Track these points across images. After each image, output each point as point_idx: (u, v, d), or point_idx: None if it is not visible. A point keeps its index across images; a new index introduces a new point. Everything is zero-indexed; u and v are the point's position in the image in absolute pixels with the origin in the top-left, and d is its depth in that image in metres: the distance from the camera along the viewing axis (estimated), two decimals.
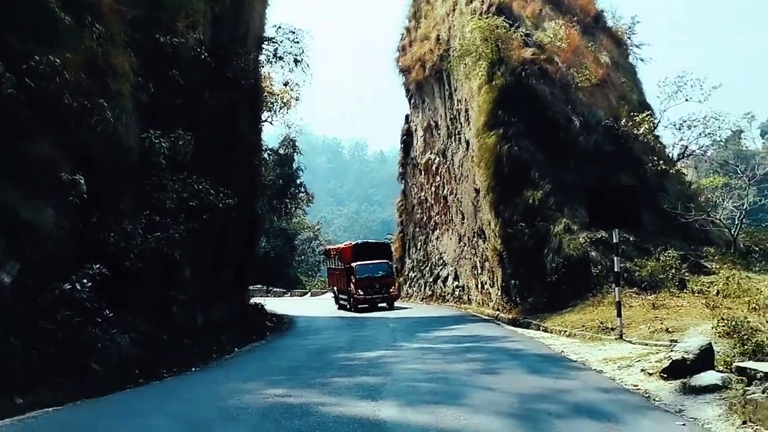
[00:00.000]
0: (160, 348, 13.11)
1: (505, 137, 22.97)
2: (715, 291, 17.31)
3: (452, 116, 30.30)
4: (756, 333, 11.94)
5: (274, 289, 46.27)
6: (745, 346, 10.43)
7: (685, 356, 8.78)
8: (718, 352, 9.49)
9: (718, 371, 8.52)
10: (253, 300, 25.38)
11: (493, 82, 24.20)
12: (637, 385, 8.96)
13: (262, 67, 24.75)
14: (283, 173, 45.70)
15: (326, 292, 49.49)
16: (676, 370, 8.76)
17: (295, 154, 47.27)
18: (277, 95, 39.34)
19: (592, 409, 7.59)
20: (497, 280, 23.94)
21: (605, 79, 26.21)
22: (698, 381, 8.17)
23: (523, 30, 25.34)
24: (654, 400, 8.11)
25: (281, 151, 46.42)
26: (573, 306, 18.62)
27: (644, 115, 24.42)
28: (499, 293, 23.65)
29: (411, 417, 7.39)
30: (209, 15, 17.58)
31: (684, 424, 6.84)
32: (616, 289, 14.00)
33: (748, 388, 6.76)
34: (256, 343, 17.71)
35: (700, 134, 28.32)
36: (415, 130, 37.39)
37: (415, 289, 38.44)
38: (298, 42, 24.67)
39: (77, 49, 11.91)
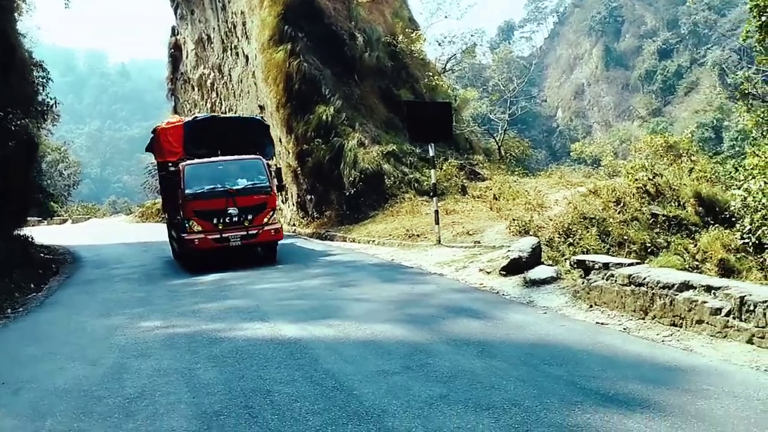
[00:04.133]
0: None
1: (294, 53, 22.97)
2: (492, 195, 19.85)
3: (227, 29, 29.14)
4: (542, 229, 14.31)
5: (28, 218, 41.47)
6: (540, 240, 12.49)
7: (521, 254, 10.24)
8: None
9: (548, 266, 10.17)
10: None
11: None
12: (482, 284, 10.17)
13: None
14: None
15: (90, 218, 45.37)
16: (513, 267, 10.14)
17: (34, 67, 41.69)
18: None
19: (463, 308, 8.53)
20: (292, 195, 24.45)
21: None
22: (536, 275, 9.65)
23: None
24: (504, 295, 9.34)
25: None
26: (373, 217, 19.93)
27: (419, 32, 26.14)
28: (295, 208, 24.24)
29: (317, 332, 7.59)
30: None
31: (545, 312, 8.21)
32: (434, 199, 15.32)
33: (590, 278, 8.30)
34: (57, 278, 16.16)
35: (459, 50, 31.19)
36: (185, 43, 35.17)
37: None
38: None
39: None
